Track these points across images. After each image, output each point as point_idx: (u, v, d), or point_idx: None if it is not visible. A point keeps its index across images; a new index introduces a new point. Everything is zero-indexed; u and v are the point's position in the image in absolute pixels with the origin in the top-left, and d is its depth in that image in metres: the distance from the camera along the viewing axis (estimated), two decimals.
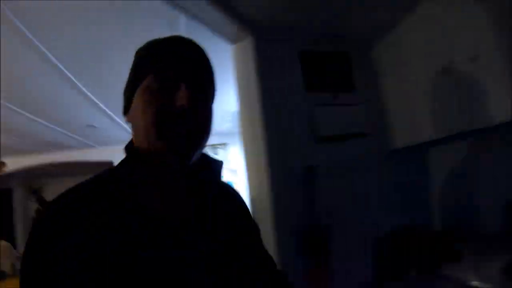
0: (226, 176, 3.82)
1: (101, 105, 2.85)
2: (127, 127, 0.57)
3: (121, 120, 3.40)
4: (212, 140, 2.91)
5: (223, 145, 3.86)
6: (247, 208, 0.71)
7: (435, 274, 1.47)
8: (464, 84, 1.33)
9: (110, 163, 4.29)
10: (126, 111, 0.57)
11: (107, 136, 3.95)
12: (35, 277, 0.40)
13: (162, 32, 0.59)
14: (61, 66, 2.08)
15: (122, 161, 0.55)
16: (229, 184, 0.74)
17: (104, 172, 0.53)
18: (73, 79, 2.28)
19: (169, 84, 0.50)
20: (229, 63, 1.67)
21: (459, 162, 1.71)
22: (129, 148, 0.55)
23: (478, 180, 1.58)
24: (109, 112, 3.09)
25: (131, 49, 0.58)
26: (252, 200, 1.59)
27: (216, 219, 0.55)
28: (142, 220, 0.45)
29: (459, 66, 1.34)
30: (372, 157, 1.69)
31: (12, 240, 4.01)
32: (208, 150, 3.81)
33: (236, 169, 3.82)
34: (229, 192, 0.69)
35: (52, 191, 5.69)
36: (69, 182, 0.48)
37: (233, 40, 1.58)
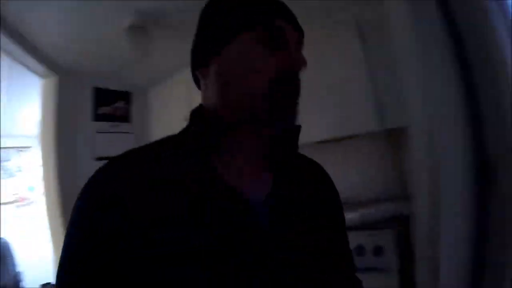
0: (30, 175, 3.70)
1: None
2: None
3: None
4: (19, 142, 2.98)
5: (28, 147, 3.79)
6: (333, 192, 0.56)
7: None
8: None
9: None
10: (204, 64, 0.47)
11: None
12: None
13: None
14: None
15: (188, 128, 0.47)
16: (311, 159, 0.59)
17: (166, 140, 0.47)
18: None
19: (283, 40, 0.43)
20: None
21: None
22: (198, 114, 0.47)
23: None
24: None
25: None
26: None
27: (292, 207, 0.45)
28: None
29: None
30: None
31: None
32: (14, 152, 3.61)
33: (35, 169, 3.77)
34: (314, 171, 0.57)
35: None
36: None
37: (42, 76, 1.98)
